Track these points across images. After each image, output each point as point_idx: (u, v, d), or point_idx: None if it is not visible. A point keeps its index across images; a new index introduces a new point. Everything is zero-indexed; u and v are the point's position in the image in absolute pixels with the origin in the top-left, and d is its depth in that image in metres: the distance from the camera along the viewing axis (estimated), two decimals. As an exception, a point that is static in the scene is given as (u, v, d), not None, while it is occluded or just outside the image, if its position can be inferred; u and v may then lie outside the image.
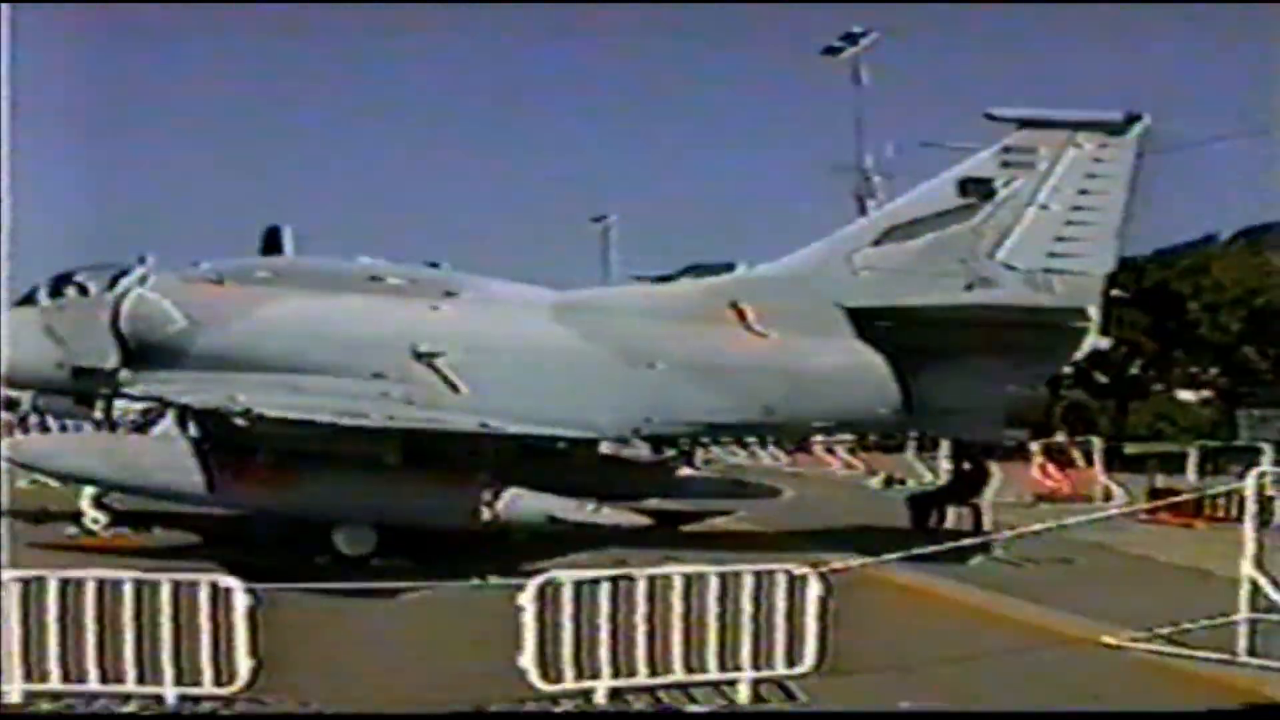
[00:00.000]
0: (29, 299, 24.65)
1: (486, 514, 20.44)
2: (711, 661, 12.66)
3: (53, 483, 29.26)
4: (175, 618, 12.06)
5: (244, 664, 12.02)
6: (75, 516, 25.32)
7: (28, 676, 12.13)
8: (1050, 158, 21.86)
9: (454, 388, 22.42)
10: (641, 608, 12.46)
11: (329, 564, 20.80)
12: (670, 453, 32.85)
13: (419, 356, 22.63)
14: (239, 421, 19.15)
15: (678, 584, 12.65)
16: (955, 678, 14.40)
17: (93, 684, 12.17)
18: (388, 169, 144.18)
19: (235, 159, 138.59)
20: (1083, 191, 21.76)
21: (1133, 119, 21.70)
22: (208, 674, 12.06)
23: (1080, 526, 21.51)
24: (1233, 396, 44.36)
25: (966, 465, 27.16)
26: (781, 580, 12.87)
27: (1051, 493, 33.50)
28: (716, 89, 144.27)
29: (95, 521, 25.29)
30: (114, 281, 24.25)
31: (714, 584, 12.71)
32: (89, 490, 25.34)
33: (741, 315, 22.53)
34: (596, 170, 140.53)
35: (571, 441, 24.16)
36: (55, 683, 12.16)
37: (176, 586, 12.16)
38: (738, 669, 12.73)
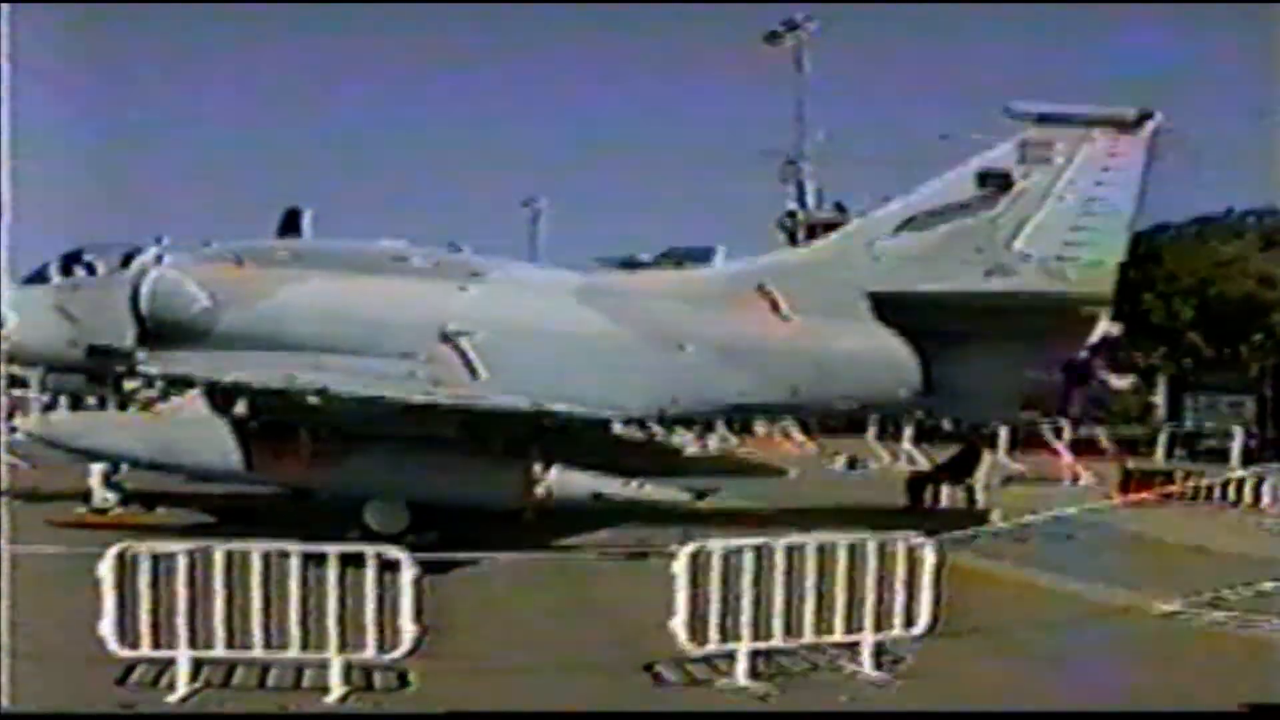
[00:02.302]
0: (40, 277, 24.59)
1: (538, 491, 20.91)
2: (839, 624, 13.45)
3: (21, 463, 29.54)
4: (341, 587, 12.51)
5: (408, 631, 12.51)
6: (84, 495, 25.36)
7: (192, 644, 12.50)
8: (1066, 152, 22.83)
9: (484, 368, 22.80)
10: (780, 574, 13.19)
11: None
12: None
13: (447, 337, 22.97)
14: (312, 400, 19.34)
15: (810, 552, 13.39)
16: (1039, 643, 15.43)
17: (258, 651, 12.57)
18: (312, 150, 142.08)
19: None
20: (1097, 184, 22.76)
21: (1145, 116, 22.78)
22: (372, 641, 12.53)
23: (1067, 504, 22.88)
24: (1180, 382, 46.26)
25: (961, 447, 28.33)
26: (901, 548, 13.71)
27: (1022, 474, 34.81)
28: (652, 74, 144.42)
29: (105, 500, 25.34)
30: (126, 260, 24.28)
31: (843, 552, 13.50)
32: (97, 468, 25.37)
33: (768, 299, 23.24)
34: (526, 153, 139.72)
35: (584, 422, 24.61)
36: (220, 650, 12.55)
37: (343, 558, 12.60)
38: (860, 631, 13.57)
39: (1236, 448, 34.85)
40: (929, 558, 13.70)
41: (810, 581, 13.28)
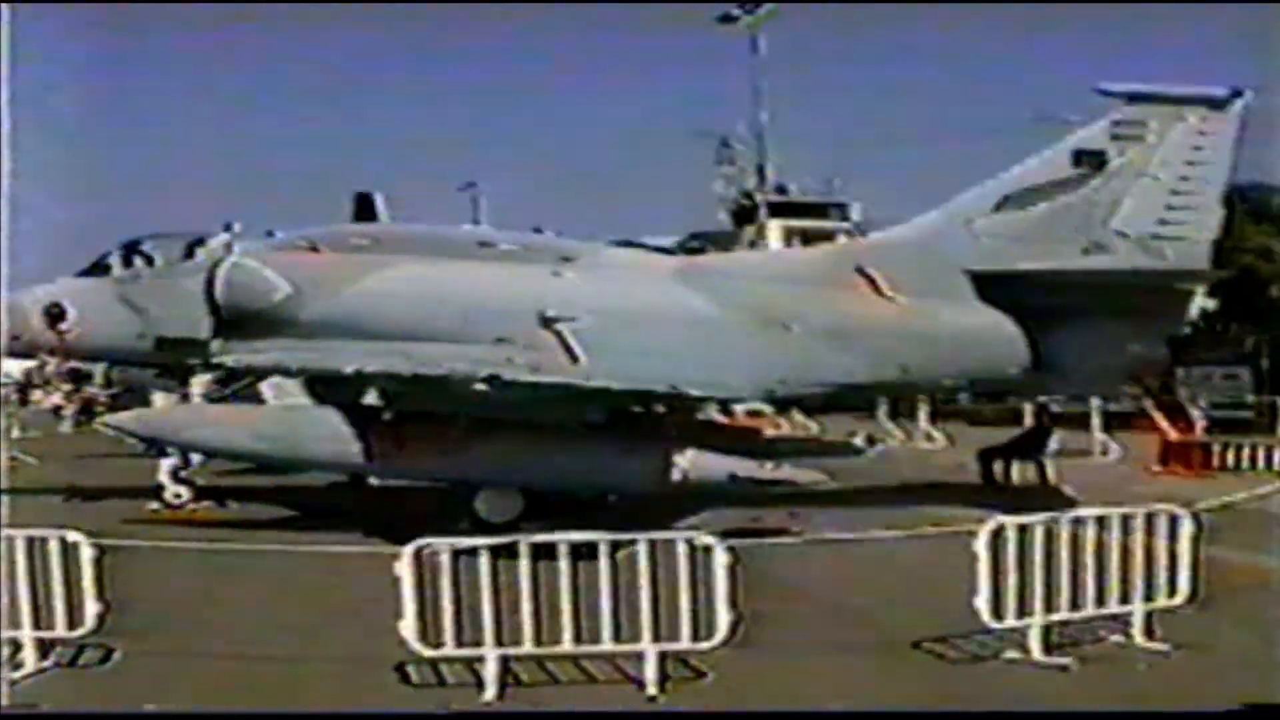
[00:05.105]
0: (100, 268, 23.85)
1: (676, 475, 20.75)
2: (1111, 596, 13.61)
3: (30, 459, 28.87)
4: (653, 576, 12.28)
5: (724, 618, 12.30)
6: (156, 491, 24.63)
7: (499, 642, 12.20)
8: (1159, 131, 23.42)
9: (585, 352, 22.52)
10: (1064, 548, 13.30)
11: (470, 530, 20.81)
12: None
13: (546, 322, 22.67)
14: (482, 387, 18.90)
15: (1091, 527, 13.53)
16: (1266, 610, 15.66)
17: (566, 645, 12.30)
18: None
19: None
20: (1189, 162, 23.39)
21: (1236, 94, 23.40)
22: (685, 630, 12.31)
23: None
24: (1173, 356, 47.06)
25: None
26: (1163, 520, 13.93)
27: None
28: (596, 53, 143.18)
29: (177, 496, 24.64)
30: (190, 250, 23.63)
31: (1115, 523, 13.68)
32: (167, 464, 24.68)
33: (869, 280, 23.37)
34: (467, 136, 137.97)
35: (671, 405, 24.38)
36: (528, 646, 12.24)
37: (653, 545, 12.37)
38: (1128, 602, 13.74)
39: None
40: (1187, 528, 13.92)
41: (1090, 554, 13.43)
